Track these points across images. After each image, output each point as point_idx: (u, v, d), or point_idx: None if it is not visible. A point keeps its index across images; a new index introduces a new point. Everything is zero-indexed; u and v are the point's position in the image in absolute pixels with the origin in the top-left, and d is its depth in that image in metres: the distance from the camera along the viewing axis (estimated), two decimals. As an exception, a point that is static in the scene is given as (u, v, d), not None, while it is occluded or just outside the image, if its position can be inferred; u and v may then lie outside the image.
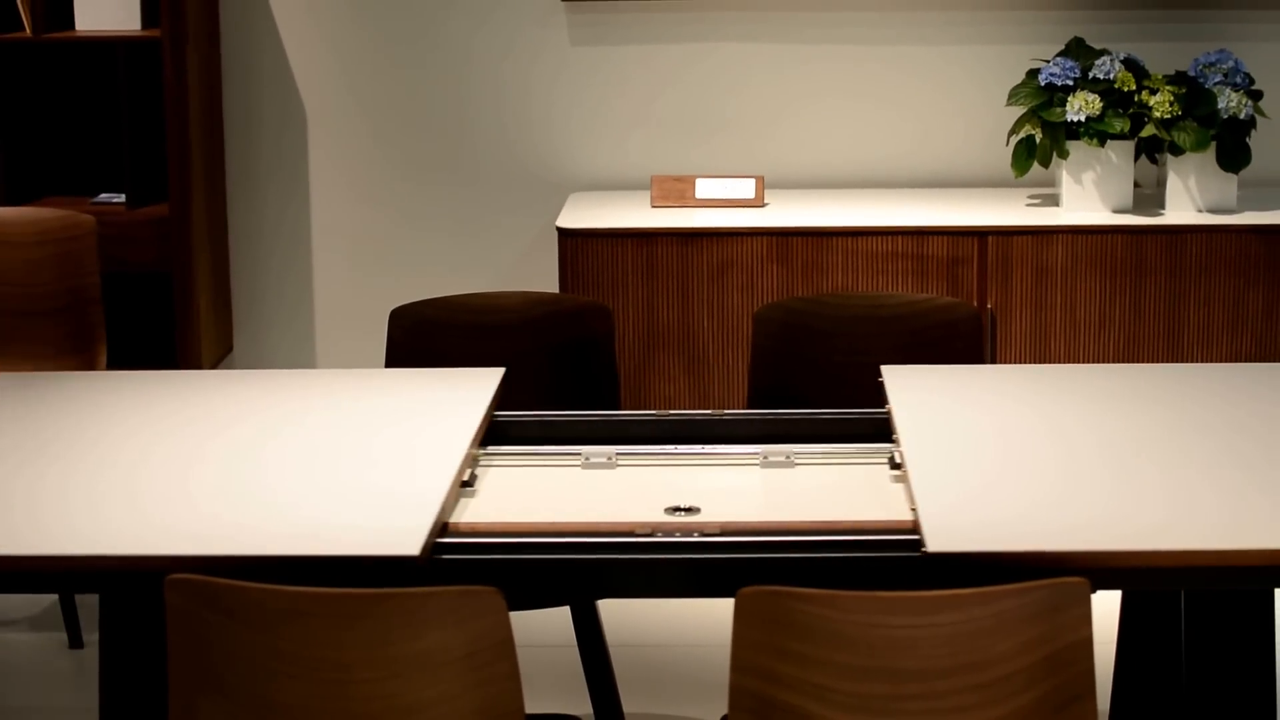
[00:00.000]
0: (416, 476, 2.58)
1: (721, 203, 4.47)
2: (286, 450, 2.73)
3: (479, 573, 2.32)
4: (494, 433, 2.89)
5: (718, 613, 3.62)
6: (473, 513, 2.57)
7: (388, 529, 2.38)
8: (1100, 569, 2.28)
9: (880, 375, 3.05)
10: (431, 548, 2.37)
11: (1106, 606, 2.57)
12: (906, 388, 2.97)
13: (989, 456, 2.68)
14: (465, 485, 2.64)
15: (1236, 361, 4.23)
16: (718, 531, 2.44)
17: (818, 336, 3.33)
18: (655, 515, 2.54)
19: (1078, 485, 2.54)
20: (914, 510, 2.45)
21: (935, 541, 2.32)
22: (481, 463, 2.78)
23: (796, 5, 4.67)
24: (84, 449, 2.76)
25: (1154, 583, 2.55)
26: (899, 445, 2.71)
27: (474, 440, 2.76)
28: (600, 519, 2.54)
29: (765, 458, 2.78)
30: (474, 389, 2.98)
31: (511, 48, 4.72)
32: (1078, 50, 4.42)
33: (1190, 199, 4.38)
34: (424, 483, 2.55)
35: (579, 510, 2.60)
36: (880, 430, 2.88)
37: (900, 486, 2.65)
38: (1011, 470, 2.61)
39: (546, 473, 2.76)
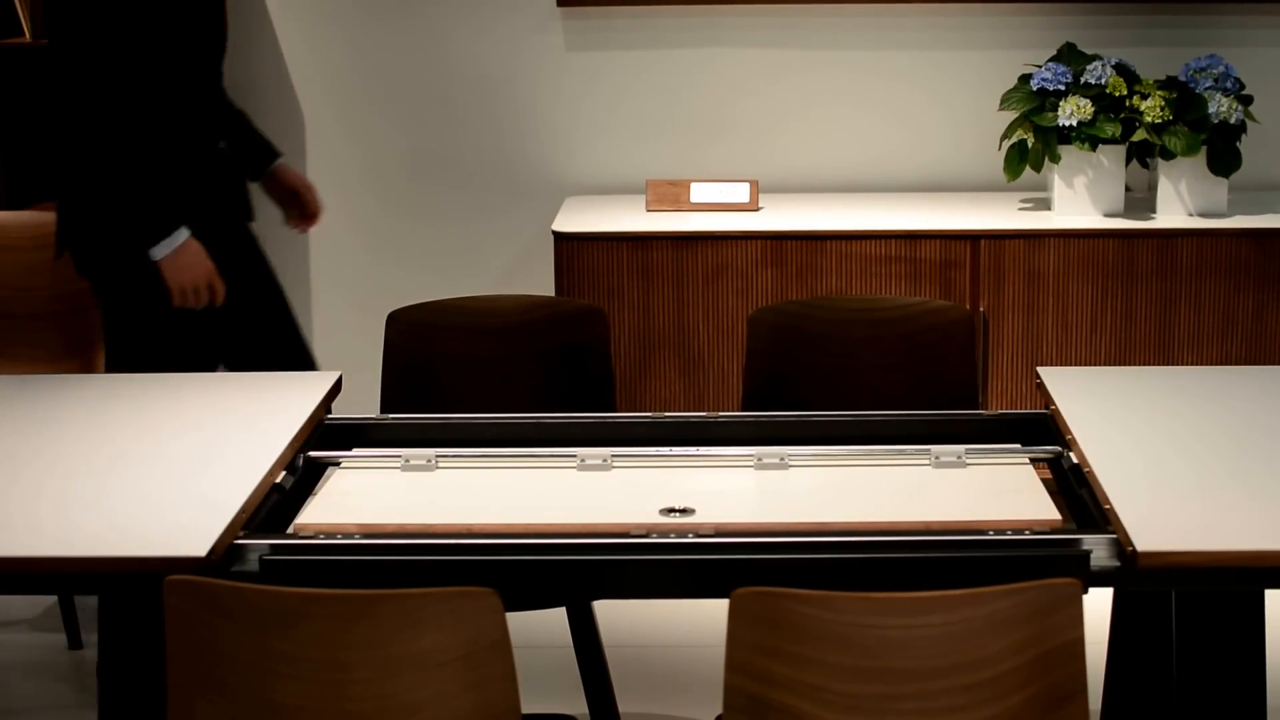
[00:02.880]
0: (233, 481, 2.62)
1: (716, 207, 4.49)
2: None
3: (461, 572, 2.33)
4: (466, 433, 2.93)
5: (713, 613, 3.64)
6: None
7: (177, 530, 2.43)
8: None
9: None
10: (228, 549, 2.40)
11: (1098, 607, 2.59)
12: (1065, 391, 2.99)
13: (1156, 458, 2.70)
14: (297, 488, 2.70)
15: (1227, 365, 4.25)
16: (712, 533, 2.46)
17: (811, 339, 3.34)
18: (650, 516, 2.56)
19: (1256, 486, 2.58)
20: (1109, 510, 2.46)
21: (1143, 542, 2.35)
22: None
23: (791, 11, 4.69)
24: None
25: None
26: (1073, 447, 2.74)
27: (293, 443, 2.79)
28: (596, 520, 2.56)
29: (760, 460, 2.80)
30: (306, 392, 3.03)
31: (508, 53, 4.73)
32: (1069, 55, 4.43)
33: (1181, 203, 4.40)
34: (232, 486, 2.58)
35: (574, 511, 2.61)
36: (872, 432, 2.91)
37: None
38: (1187, 472, 2.64)
39: (541, 474, 2.78)
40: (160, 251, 3.47)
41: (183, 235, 3.48)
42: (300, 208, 3.87)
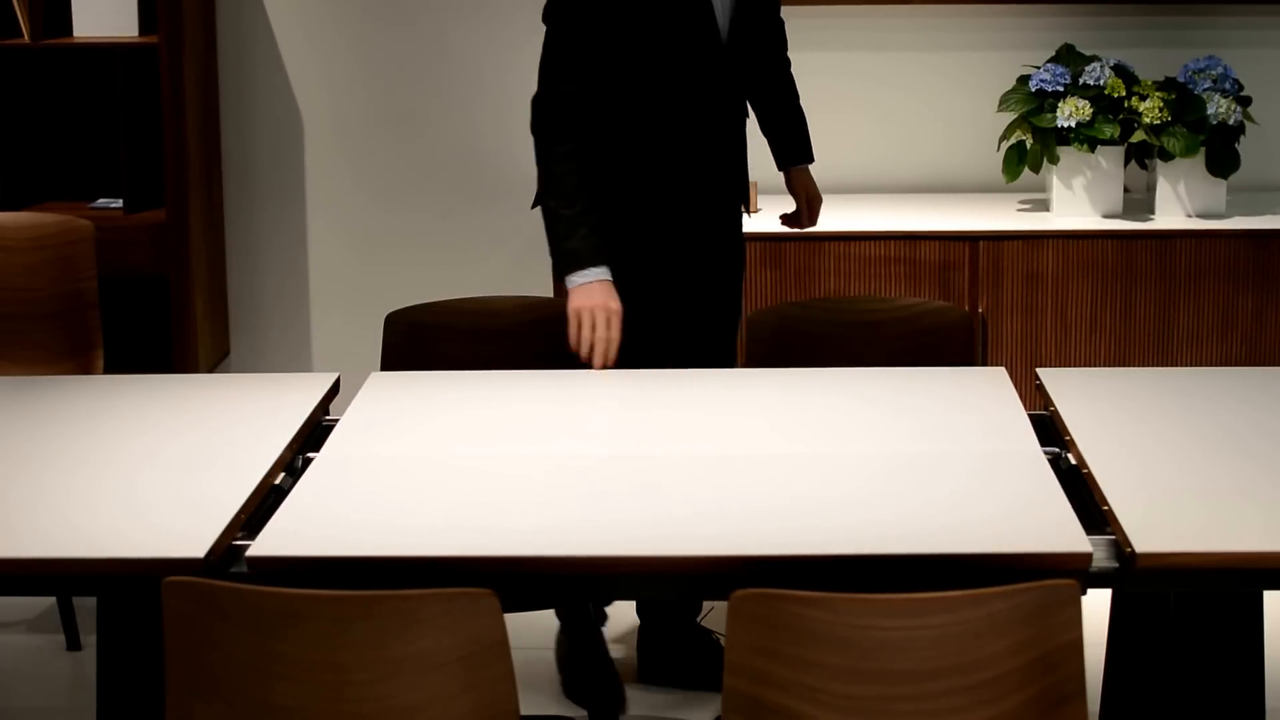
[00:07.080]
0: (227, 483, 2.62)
1: (715, 208, 4.48)
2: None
3: (460, 573, 2.33)
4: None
5: (712, 614, 3.64)
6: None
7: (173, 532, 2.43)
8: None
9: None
10: (226, 550, 2.40)
11: (1097, 608, 2.59)
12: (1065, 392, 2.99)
13: (1155, 459, 2.69)
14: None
15: (1225, 366, 4.25)
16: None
17: (810, 341, 3.34)
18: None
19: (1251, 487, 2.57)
20: (1108, 511, 2.46)
21: (1141, 543, 2.35)
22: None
23: (789, 13, 4.68)
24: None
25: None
26: (1072, 448, 2.73)
27: (291, 445, 2.78)
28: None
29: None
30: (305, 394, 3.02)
31: (505, 53, 4.73)
32: (1068, 56, 4.44)
33: (1180, 204, 4.40)
34: (230, 487, 2.58)
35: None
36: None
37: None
38: (1186, 473, 2.63)
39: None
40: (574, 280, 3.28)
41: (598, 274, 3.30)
42: (795, 217, 3.77)
